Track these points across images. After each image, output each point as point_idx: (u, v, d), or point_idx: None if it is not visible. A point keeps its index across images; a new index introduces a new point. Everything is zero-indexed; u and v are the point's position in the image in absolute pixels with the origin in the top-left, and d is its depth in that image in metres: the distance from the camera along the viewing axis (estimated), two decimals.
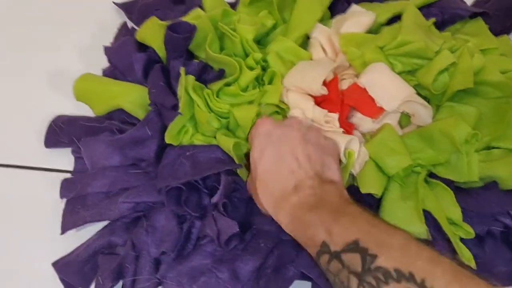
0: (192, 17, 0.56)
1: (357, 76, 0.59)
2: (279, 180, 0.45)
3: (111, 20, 0.69)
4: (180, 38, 0.53)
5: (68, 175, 0.57)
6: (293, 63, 0.59)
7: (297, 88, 0.56)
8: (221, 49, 0.59)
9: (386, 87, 0.56)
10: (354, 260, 0.36)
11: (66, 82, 0.59)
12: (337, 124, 0.54)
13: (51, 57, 0.67)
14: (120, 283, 0.51)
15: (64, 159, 0.59)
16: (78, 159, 0.58)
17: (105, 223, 0.54)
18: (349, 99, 0.56)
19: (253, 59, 0.55)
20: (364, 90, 0.56)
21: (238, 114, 0.53)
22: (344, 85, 0.58)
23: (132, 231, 0.52)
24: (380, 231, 0.38)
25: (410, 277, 0.33)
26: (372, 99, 0.57)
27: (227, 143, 0.52)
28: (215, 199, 0.48)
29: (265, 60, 0.58)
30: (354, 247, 0.37)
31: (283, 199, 0.44)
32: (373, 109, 0.56)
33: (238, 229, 0.47)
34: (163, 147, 0.54)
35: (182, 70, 0.54)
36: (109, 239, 0.52)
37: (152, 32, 0.58)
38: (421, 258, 0.34)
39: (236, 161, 0.51)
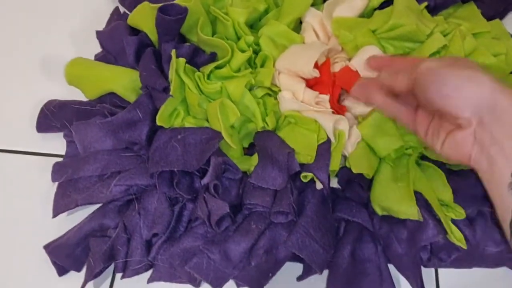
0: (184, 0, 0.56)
1: (349, 59, 0.59)
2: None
3: (103, 5, 0.68)
4: (172, 21, 0.53)
5: (61, 159, 0.57)
6: (285, 47, 0.59)
7: (289, 71, 0.56)
8: (213, 33, 0.58)
9: None
10: None
11: (59, 67, 0.59)
12: (328, 105, 0.54)
13: (43, 42, 0.67)
14: (112, 266, 0.51)
15: (56, 143, 0.59)
16: (70, 143, 0.57)
17: (97, 206, 0.54)
18: (341, 81, 0.56)
19: (245, 42, 0.55)
20: (356, 73, 0.56)
21: (230, 87, 0.53)
22: (336, 68, 0.58)
23: (124, 214, 0.52)
24: None
25: None
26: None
27: (213, 107, 0.52)
28: (205, 180, 0.48)
29: (257, 44, 0.58)
30: None
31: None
32: None
33: (228, 210, 0.47)
34: (154, 130, 0.54)
35: (173, 52, 0.54)
36: (101, 221, 0.52)
37: (144, 16, 0.58)
38: None
39: (222, 131, 0.51)
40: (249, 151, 0.56)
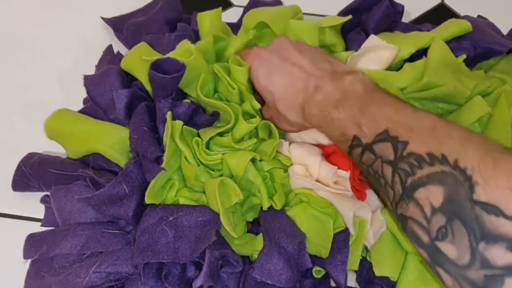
0: (182, 51, 0.48)
1: None
2: (297, 88, 0.45)
3: (98, 36, 0.61)
4: (167, 79, 0.45)
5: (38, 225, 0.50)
6: None
7: (304, 138, 0.48)
8: (215, 89, 0.50)
9: None
10: (386, 149, 0.36)
11: (44, 112, 0.52)
12: (348, 185, 0.46)
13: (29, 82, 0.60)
14: None
15: (36, 205, 0.51)
16: (48, 208, 0.50)
17: None
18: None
19: (251, 106, 0.47)
20: None
21: (231, 161, 0.46)
22: None
23: None
24: (407, 116, 0.37)
25: (443, 159, 0.33)
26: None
27: (212, 185, 0.44)
28: (198, 282, 0.40)
29: None
30: (385, 137, 0.37)
31: (308, 102, 0.44)
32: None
33: None
34: (143, 205, 0.46)
35: (168, 115, 0.46)
36: None
37: (139, 62, 0.51)
38: (452, 138, 0.34)
39: (222, 216, 0.43)
40: (253, 227, 0.49)
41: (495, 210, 0.29)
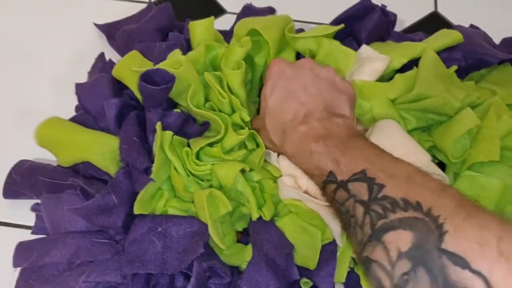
0: (172, 62, 0.48)
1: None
2: (289, 110, 0.46)
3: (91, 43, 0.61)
4: (156, 90, 0.45)
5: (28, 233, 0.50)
6: None
7: None
8: (206, 99, 0.50)
9: (397, 152, 0.48)
10: (361, 189, 0.36)
11: (36, 119, 0.52)
12: None
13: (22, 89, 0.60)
14: None
15: (27, 212, 0.51)
16: (39, 216, 0.50)
17: None
18: None
19: (240, 118, 0.48)
20: None
21: (220, 172, 0.46)
22: None
23: None
24: (387, 162, 0.38)
25: (417, 206, 0.33)
26: None
27: (201, 197, 0.44)
28: None
29: None
30: (361, 176, 0.37)
31: (291, 128, 0.44)
32: None
33: None
34: (133, 215, 0.46)
35: (158, 126, 0.46)
36: None
37: (130, 71, 0.51)
38: (428, 188, 0.34)
39: (210, 227, 0.44)
40: (243, 237, 0.49)
41: (462, 262, 0.28)
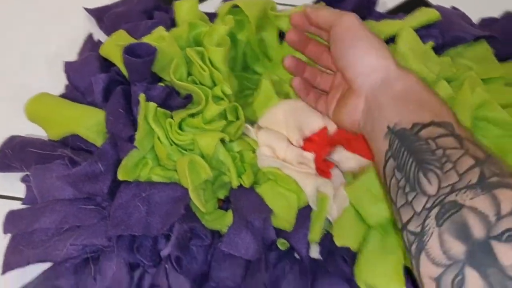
0: (155, 37, 0.50)
1: None
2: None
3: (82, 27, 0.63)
4: (139, 62, 0.47)
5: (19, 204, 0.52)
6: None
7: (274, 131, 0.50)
8: (189, 73, 0.52)
9: None
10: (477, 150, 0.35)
11: (28, 97, 0.54)
12: (313, 165, 0.48)
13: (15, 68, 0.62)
14: None
15: (18, 184, 0.54)
16: (29, 187, 0.52)
17: None
18: (339, 142, 0.50)
19: (221, 91, 0.49)
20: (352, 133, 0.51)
21: (201, 142, 0.48)
22: None
23: (80, 274, 0.47)
24: None
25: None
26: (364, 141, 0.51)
27: (182, 163, 0.46)
28: (165, 251, 0.43)
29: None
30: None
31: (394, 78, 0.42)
32: (367, 151, 0.51)
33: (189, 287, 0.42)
34: (118, 182, 0.48)
35: (141, 97, 0.48)
36: (53, 283, 0.46)
37: (117, 49, 0.53)
38: None
39: (191, 192, 0.45)
40: (224, 204, 0.51)
41: None
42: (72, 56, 0.61)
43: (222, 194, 0.51)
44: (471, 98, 0.51)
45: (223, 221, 0.48)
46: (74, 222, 0.48)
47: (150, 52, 0.49)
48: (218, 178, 0.50)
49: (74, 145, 0.52)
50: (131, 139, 0.48)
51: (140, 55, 0.49)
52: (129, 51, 0.49)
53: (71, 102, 0.53)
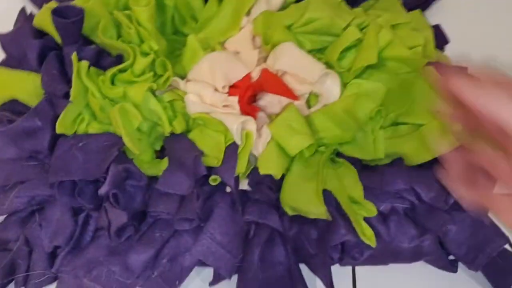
0: (82, 0, 0.53)
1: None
2: None
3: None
4: (68, 23, 0.51)
5: None
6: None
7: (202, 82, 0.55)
8: (119, 35, 0.56)
9: (295, 64, 0.55)
10: None
11: None
12: (237, 107, 0.53)
13: None
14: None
15: None
16: None
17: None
18: (259, 84, 0.55)
19: (148, 47, 0.53)
20: (274, 75, 0.55)
21: (131, 93, 0.51)
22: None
23: (26, 225, 0.50)
24: None
25: None
26: (283, 83, 0.56)
27: (114, 111, 0.50)
28: (102, 190, 0.46)
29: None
30: None
31: None
32: (287, 91, 0.55)
33: (126, 220, 0.45)
34: (57, 137, 0.51)
35: (73, 56, 0.51)
36: (0, 235, 0.50)
37: (48, 18, 0.56)
38: None
39: (125, 138, 0.49)
40: (161, 154, 0.55)
41: None
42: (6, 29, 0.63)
43: (158, 146, 0.55)
44: (376, 38, 0.56)
45: (160, 166, 0.52)
46: (17, 178, 0.51)
47: (78, 13, 0.52)
48: (153, 130, 0.54)
49: (14, 110, 0.55)
50: (67, 95, 0.51)
51: (69, 17, 0.52)
52: (58, 14, 0.52)
53: (8, 69, 0.55)
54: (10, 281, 0.48)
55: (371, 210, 0.49)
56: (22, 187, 0.49)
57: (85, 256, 0.48)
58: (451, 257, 0.51)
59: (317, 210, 0.48)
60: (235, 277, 0.49)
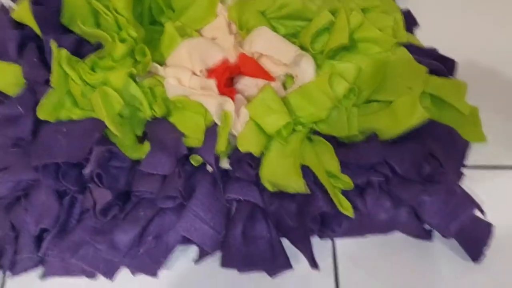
0: None
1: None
2: None
3: None
4: (47, 13, 0.52)
5: None
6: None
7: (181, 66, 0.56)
8: (98, 24, 0.57)
9: (270, 46, 0.57)
10: None
11: None
12: (215, 89, 0.54)
13: None
14: None
15: None
16: None
17: None
18: (238, 68, 0.57)
19: (127, 33, 0.55)
20: (250, 58, 0.57)
21: (112, 78, 0.52)
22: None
23: (11, 210, 0.51)
24: None
25: None
26: (260, 65, 0.58)
27: (95, 96, 0.51)
28: (86, 170, 0.48)
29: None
30: None
31: None
32: (264, 72, 0.57)
33: (111, 198, 0.47)
34: (40, 125, 0.52)
35: (52, 43, 0.52)
36: None
37: (27, 9, 0.57)
38: None
39: (107, 120, 0.50)
40: (143, 139, 0.56)
41: None
42: None
43: (139, 131, 0.56)
44: (347, 20, 0.58)
45: (142, 149, 0.53)
46: (2, 164, 0.52)
47: (56, 3, 0.53)
48: (134, 115, 0.55)
49: None
50: (48, 82, 0.52)
51: (47, 8, 0.53)
52: (37, 4, 0.53)
53: None
54: None
55: (347, 183, 0.51)
56: (6, 172, 0.50)
57: (71, 238, 0.49)
58: (426, 227, 0.53)
59: (296, 184, 0.50)
60: (219, 255, 0.50)
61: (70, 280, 0.50)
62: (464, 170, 0.56)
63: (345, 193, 0.52)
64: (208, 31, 0.61)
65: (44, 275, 0.50)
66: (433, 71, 0.59)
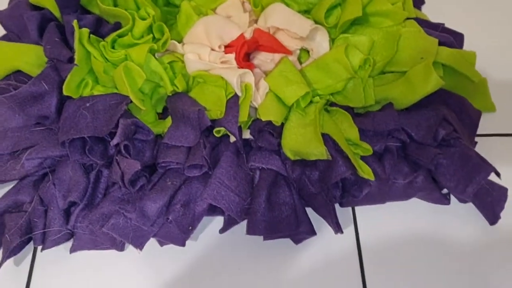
0: None
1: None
2: None
3: None
4: None
5: None
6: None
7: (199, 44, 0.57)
8: (115, 5, 0.58)
9: (285, 20, 0.58)
10: None
11: None
12: (234, 63, 0.55)
13: None
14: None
15: None
16: None
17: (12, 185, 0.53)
18: (255, 42, 0.58)
19: (146, 12, 0.56)
20: (266, 33, 0.58)
21: (133, 54, 0.54)
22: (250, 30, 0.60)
23: (39, 186, 0.52)
24: None
25: None
26: (276, 39, 0.59)
27: (118, 71, 0.52)
28: (114, 141, 0.49)
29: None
30: None
31: None
32: (281, 46, 0.58)
33: (140, 167, 0.48)
34: (63, 101, 0.53)
35: (74, 23, 0.53)
36: (15, 198, 0.51)
37: None
38: None
39: (131, 95, 0.51)
40: (163, 115, 0.57)
41: None
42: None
43: (160, 108, 0.57)
44: None
45: (164, 124, 0.54)
46: (27, 143, 0.53)
47: None
48: (155, 92, 0.56)
49: (18, 80, 0.57)
50: (71, 60, 0.53)
51: None
52: None
53: (9, 42, 0.57)
54: (29, 240, 0.50)
55: (367, 149, 0.52)
56: (33, 150, 0.51)
57: (99, 210, 0.50)
58: (444, 191, 0.55)
59: (317, 150, 0.51)
60: (243, 227, 0.51)
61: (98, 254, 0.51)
62: (476, 138, 0.58)
63: (364, 159, 0.53)
64: (223, 9, 0.62)
65: (73, 249, 0.50)
66: (442, 44, 0.60)
